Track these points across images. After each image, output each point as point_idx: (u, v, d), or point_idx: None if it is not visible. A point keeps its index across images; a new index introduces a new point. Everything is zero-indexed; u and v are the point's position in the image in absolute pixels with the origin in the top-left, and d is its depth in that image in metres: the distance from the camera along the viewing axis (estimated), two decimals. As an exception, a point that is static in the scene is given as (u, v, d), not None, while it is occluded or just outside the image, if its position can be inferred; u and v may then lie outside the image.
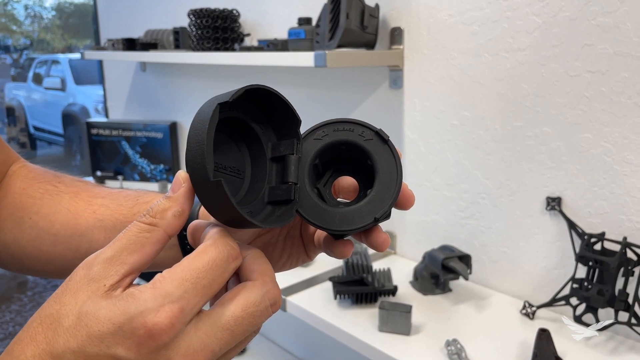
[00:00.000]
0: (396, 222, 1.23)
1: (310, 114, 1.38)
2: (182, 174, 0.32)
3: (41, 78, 6.91)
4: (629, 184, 0.86)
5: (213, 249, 0.29)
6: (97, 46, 1.99)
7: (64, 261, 0.51)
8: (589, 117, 0.88)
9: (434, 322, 0.94)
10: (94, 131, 2.00)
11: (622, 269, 0.84)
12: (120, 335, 0.26)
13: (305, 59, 1.02)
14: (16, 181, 0.55)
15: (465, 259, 1.01)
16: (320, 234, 0.41)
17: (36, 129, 6.99)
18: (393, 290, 1.02)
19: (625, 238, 0.86)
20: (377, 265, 1.12)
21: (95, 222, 0.50)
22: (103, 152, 2.00)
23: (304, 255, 0.44)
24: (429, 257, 1.04)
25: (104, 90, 2.28)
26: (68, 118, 6.24)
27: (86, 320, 0.27)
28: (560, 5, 0.89)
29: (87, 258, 0.30)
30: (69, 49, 9.96)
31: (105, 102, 2.31)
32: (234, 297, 0.30)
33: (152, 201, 0.50)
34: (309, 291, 1.07)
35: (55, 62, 6.80)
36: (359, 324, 0.94)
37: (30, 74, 7.22)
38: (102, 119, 2.09)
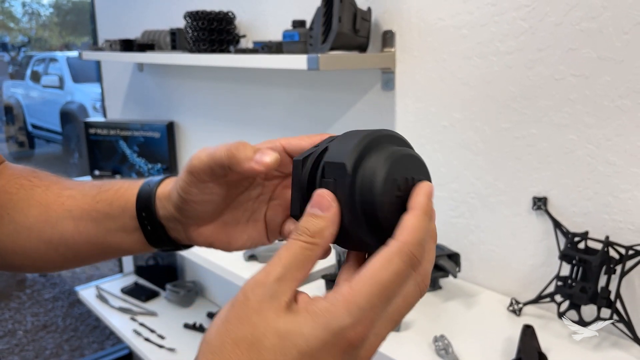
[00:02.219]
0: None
1: (303, 115, 1.41)
2: (328, 194, 0.33)
3: (39, 76, 6.92)
4: (612, 184, 0.88)
5: (403, 262, 0.31)
6: (95, 46, 2.01)
7: (39, 254, 0.52)
8: (574, 120, 0.91)
9: (423, 318, 0.97)
10: (92, 130, 2.02)
11: (604, 267, 0.86)
12: (326, 349, 0.29)
13: (298, 62, 1.04)
14: None
15: (454, 257, 1.04)
16: (290, 225, 0.44)
17: (34, 127, 7.00)
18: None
19: (607, 237, 0.88)
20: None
21: (64, 213, 0.51)
22: (101, 151, 2.02)
23: (264, 239, 0.46)
24: (419, 255, 1.06)
25: (102, 89, 2.30)
26: (66, 116, 6.25)
27: (292, 339, 0.29)
28: (545, 10, 0.91)
29: (256, 277, 0.31)
30: (67, 47, 9.96)
31: (102, 101, 2.33)
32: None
33: (114, 188, 0.51)
34: (302, 289, 1.10)
35: (53, 60, 6.81)
36: (350, 320, 0.97)
37: (28, 72, 7.23)
38: (100, 119, 2.11)
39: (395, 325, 0.33)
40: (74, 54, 6.88)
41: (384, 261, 0.30)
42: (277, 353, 0.29)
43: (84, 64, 6.22)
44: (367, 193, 0.32)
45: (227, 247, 0.46)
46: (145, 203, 0.47)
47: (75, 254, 0.52)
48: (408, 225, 0.32)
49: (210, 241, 0.46)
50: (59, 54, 6.87)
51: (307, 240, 0.32)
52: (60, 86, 6.44)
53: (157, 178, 0.49)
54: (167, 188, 0.46)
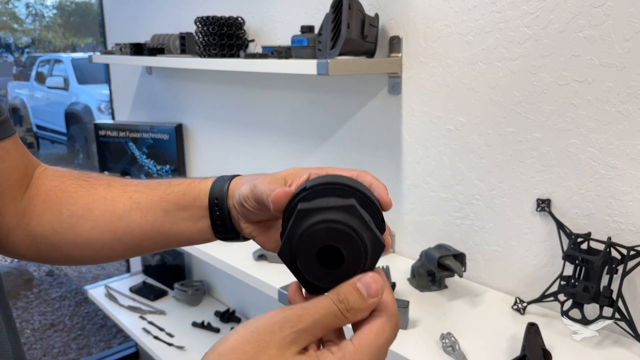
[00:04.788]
0: (395, 222, 1.28)
1: (311, 118, 1.43)
2: (382, 282, 0.37)
3: (44, 77, 6.97)
4: (613, 187, 0.91)
5: (391, 329, 0.37)
6: (105, 50, 2.04)
7: (102, 243, 0.57)
8: (576, 124, 0.94)
9: (430, 317, 1.00)
10: (102, 132, 2.05)
11: (606, 267, 0.89)
12: None
13: (308, 67, 1.07)
14: (45, 181, 0.60)
15: (460, 258, 1.06)
16: None
17: (39, 127, 7.05)
18: (391, 287, 1.07)
19: (609, 238, 0.91)
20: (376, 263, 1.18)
21: (132, 205, 0.56)
22: (110, 152, 2.06)
23: None
24: (425, 255, 1.09)
25: (110, 92, 2.34)
26: (71, 117, 6.30)
27: None
28: (549, 18, 0.94)
29: (289, 316, 0.35)
30: (72, 48, 9.99)
31: (111, 103, 2.36)
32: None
33: (185, 182, 0.56)
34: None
35: (58, 61, 6.86)
36: (359, 318, 1.00)
37: (33, 73, 7.27)
38: (107, 120, 2.15)
39: None
40: (78, 55, 6.93)
41: (380, 328, 0.36)
42: None
43: (89, 66, 6.27)
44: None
45: (263, 245, 0.53)
46: (218, 192, 0.53)
47: (138, 243, 0.57)
48: (390, 301, 0.38)
49: (252, 236, 0.52)
50: (63, 56, 6.92)
51: (342, 311, 0.36)
52: (65, 87, 6.49)
53: (229, 175, 0.56)
54: (239, 183, 0.53)
